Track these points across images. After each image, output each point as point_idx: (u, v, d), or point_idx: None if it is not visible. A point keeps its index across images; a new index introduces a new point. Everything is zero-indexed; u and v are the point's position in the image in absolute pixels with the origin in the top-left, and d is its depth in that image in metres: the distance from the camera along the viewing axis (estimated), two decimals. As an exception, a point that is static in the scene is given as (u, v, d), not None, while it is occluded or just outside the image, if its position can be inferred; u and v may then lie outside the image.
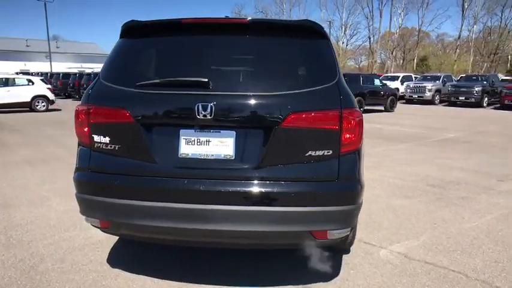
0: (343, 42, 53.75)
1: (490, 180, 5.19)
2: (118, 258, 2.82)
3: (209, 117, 2.01)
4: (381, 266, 2.75)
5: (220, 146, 2.06)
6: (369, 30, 53.69)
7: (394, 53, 51.02)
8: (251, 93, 2.04)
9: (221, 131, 2.07)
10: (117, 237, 3.11)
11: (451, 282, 2.53)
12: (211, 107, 2.00)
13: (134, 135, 2.11)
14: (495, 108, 17.95)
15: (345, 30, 53.31)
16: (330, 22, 43.20)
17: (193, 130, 2.08)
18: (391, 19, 51.06)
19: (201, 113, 2.01)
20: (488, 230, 3.45)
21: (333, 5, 64.64)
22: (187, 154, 2.07)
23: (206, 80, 2.03)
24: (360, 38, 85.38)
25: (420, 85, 20.38)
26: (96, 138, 2.18)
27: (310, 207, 2.02)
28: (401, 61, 52.88)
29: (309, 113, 2.03)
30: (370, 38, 52.72)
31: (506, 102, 17.25)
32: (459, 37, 49.40)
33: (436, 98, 20.15)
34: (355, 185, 2.10)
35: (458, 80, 22.14)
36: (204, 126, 2.07)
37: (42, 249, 2.95)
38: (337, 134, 2.06)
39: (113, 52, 2.35)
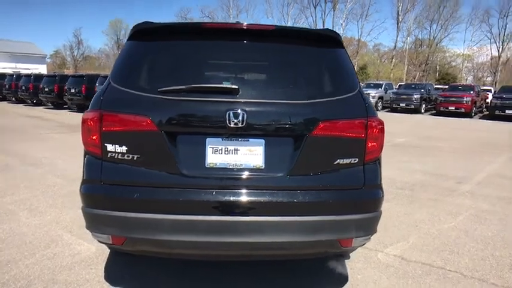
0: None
1: (449, 182, 5.58)
2: (116, 276, 2.62)
3: (240, 125, 1.93)
4: (384, 269, 2.83)
5: (249, 155, 2.00)
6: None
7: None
8: (281, 101, 2.01)
9: (250, 139, 2.00)
10: (107, 253, 2.89)
11: (452, 281, 2.68)
12: (242, 114, 1.93)
13: (157, 144, 1.97)
14: (431, 114, 19.40)
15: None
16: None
17: (220, 139, 1.99)
18: (333, 28, 53.29)
19: (232, 121, 1.93)
20: (466, 229, 3.70)
21: (279, 13, 66.10)
22: (215, 164, 1.98)
23: (236, 87, 1.96)
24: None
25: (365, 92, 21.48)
26: (110, 147, 2.00)
27: (339, 216, 2.02)
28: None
29: (338, 122, 2.03)
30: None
31: (441, 109, 18.75)
32: (395, 47, 52.93)
33: (379, 105, 21.35)
34: (378, 192, 2.14)
35: (398, 88, 23.68)
36: (232, 135, 1.99)
37: (26, 270, 2.65)
38: (363, 142, 2.09)
39: (125, 55, 2.18)
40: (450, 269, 2.86)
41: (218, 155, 1.98)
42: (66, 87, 15.48)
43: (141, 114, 1.96)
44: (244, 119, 1.93)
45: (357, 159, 2.08)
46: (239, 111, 1.93)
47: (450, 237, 3.49)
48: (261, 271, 2.70)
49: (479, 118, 18.37)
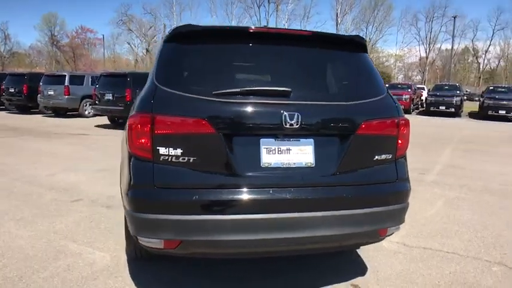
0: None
1: (414, 173, 6.07)
2: (147, 283, 2.56)
3: (295, 126, 2.03)
4: (393, 255, 3.07)
5: (300, 154, 2.09)
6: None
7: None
8: (329, 103, 2.13)
9: (300, 139, 2.10)
10: (124, 260, 2.82)
11: (454, 261, 2.98)
12: (297, 116, 2.02)
13: (214, 146, 1.99)
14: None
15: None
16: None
17: (273, 139, 2.07)
18: (276, 28, 54.41)
19: (288, 122, 2.01)
20: (447, 215, 4.10)
21: (223, 11, 65.89)
22: (270, 163, 2.05)
23: (289, 89, 2.05)
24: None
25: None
26: (163, 150, 1.98)
27: (379, 208, 2.19)
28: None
29: (377, 121, 2.20)
30: (257, 45, 55.28)
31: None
32: (334, 48, 55.37)
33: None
34: (407, 184, 2.35)
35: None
36: (285, 135, 2.07)
37: (46, 284, 2.50)
38: (395, 139, 2.28)
39: (171, 56, 2.17)
40: (448, 250, 3.18)
41: (272, 155, 2.06)
42: (3, 87, 14.13)
43: (198, 117, 1.97)
44: (299, 120, 2.02)
45: (391, 155, 2.27)
46: (294, 112, 2.02)
47: (437, 223, 3.85)
48: (284, 266, 2.80)
49: (416, 114, 19.97)
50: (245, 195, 2.00)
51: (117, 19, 56.31)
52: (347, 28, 54.21)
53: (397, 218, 2.30)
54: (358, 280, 2.65)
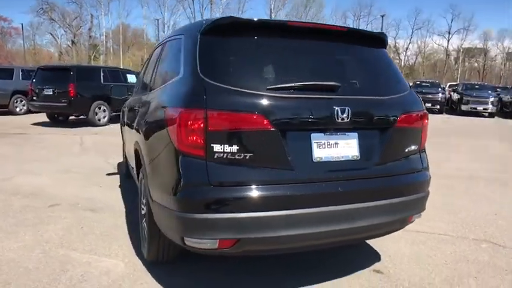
0: (166, 41, 53.61)
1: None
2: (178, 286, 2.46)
3: (346, 121, 2.08)
4: (397, 241, 3.26)
5: (347, 147, 2.15)
6: (191, 31, 55.06)
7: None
8: (372, 97, 2.21)
9: (346, 133, 2.16)
10: (141, 265, 2.67)
11: (447, 242, 3.27)
12: (347, 110, 2.08)
13: (271, 141, 1.97)
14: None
15: (168, 30, 53.28)
16: (158, 20, 42.36)
17: (323, 134, 2.10)
18: (211, 22, 53.88)
19: (340, 117, 2.06)
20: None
21: (155, 3, 63.47)
22: (321, 158, 2.08)
23: (339, 84, 2.09)
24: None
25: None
26: (217, 147, 1.92)
27: (411, 196, 2.34)
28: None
29: (410, 114, 2.34)
30: (193, 39, 54.30)
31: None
32: (269, 43, 56.39)
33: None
34: (428, 174, 2.53)
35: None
36: (333, 130, 2.12)
37: (67, 297, 2.28)
38: (421, 131, 2.44)
39: (215, 49, 2.09)
40: (439, 233, 3.48)
41: (322, 149, 2.09)
42: None
43: (255, 112, 1.93)
44: (349, 114, 2.08)
45: (417, 147, 2.43)
46: (345, 107, 2.07)
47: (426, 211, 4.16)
48: (308, 262, 2.85)
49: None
50: (301, 190, 2.01)
51: (37, 7, 51.47)
52: (281, 24, 55.43)
53: (422, 205, 2.47)
54: (377, 266, 2.80)
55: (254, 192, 1.94)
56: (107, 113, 11.02)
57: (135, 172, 3.29)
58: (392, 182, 2.27)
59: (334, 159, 2.11)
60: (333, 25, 2.32)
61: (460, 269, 2.79)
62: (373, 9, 56.77)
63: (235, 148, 1.93)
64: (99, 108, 10.82)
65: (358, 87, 2.29)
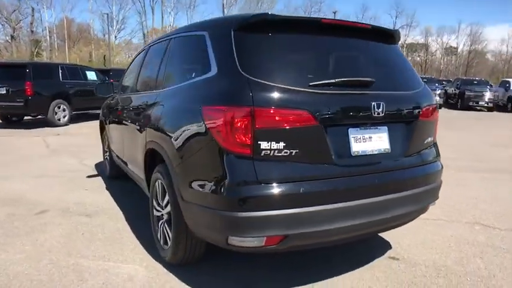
0: (115, 37, 51.59)
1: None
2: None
3: (381, 115, 2.15)
4: (400, 228, 3.44)
5: (379, 141, 2.23)
6: (142, 26, 53.33)
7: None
8: (400, 92, 2.31)
9: (378, 127, 2.23)
10: (161, 269, 2.60)
11: (444, 226, 3.49)
12: (382, 105, 2.15)
13: (316, 137, 2.00)
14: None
15: (117, 25, 51.27)
16: (107, 15, 40.47)
17: (358, 128, 2.15)
18: (162, 17, 52.56)
19: (376, 111, 2.13)
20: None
21: (102, -5, 60.55)
22: (358, 152, 2.14)
23: (374, 79, 2.16)
24: (131, 33, 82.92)
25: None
26: (264, 145, 1.91)
27: (431, 185, 2.48)
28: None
29: (429, 108, 2.46)
30: (144, 34, 52.62)
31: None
32: (222, 38, 56.01)
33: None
34: (441, 163, 2.68)
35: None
36: (366, 124, 2.18)
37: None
38: (435, 123, 2.59)
39: (254, 46, 2.07)
40: (434, 218, 3.69)
41: (359, 143, 2.15)
42: None
43: (301, 109, 1.95)
44: (384, 109, 2.16)
45: (432, 138, 2.57)
46: (380, 102, 2.14)
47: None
48: (325, 252, 2.92)
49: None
50: (343, 183, 2.06)
51: (-32, -2, 47.11)
52: (234, 19, 55.33)
53: (438, 193, 2.62)
54: (391, 252, 2.93)
55: (301, 187, 1.96)
56: (67, 112, 10.42)
57: (141, 174, 3.16)
58: (417, 172, 2.39)
59: (368, 153, 2.18)
60: (360, 22, 2.39)
61: (465, 250, 3.00)
62: (323, 5, 58.30)
63: (281, 145, 1.93)
64: (59, 107, 10.21)
65: (387, 82, 2.36)
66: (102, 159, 6.01)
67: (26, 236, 3.15)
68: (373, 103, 2.13)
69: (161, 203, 2.69)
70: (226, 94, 1.99)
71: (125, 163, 3.86)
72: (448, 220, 3.66)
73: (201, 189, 2.09)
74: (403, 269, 2.68)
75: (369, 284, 2.48)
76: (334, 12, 37.44)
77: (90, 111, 11.98)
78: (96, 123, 11.32)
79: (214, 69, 2.15)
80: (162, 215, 2.70)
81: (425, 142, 2.49)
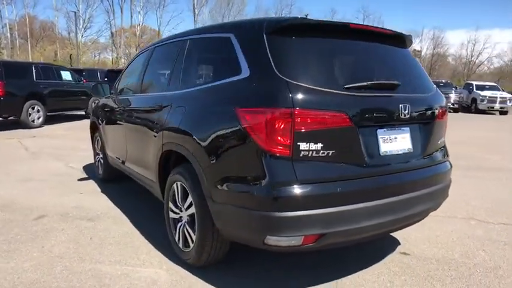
0: (82, 36, 49.90)
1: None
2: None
3: (407, 117, 2.25)
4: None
5: (402, 141, 2.32)
6: (110, 25, 51.84)
7: (137, 49, 51.70)
8: (421, 94, 2.41)
9: (402, 128, 2.32)
10: (182, 271, 2.58)
11: (443, 221, 3.66)
12: (408, 107, 2.24)
13: (350, 138, 2.06)
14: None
15: (84, 24, 49.62)
16: (75, 13, 39.04)
17: (385, 129, 2.23)
18: (131, 16, 51.40)
19: (403, 113, 2.22)
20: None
21: (68, -6, 58.33)
22: (386, 152, 2.22)
23: (400, 83, 2.25)
24: (98, 32, 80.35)
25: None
26: (303, 146, 1.95)
27: (444, 183, 2.61)
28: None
29: (443, 109, 2.59)
30: (112, 34, 51.23)
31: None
32: (193, 39, 55.51)
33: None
34: (450, 163, 2.82)
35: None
36: (392, 125, 2.26)
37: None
38: (445, 124, 2.72)
39: (289, 49, 2.09)
40: (432, 214, 3.85)
41: (386, 143, 2.23)
42: None
43: (338, 111, 2.00)
44: (409, 110, 2.25)
45: (443, 139, 2.70)
46: (406, 104, 2.24)
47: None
48: (339, 252, 2.98)
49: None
50: (374, 183, 2.14)
51: None
52: (204, 20, 55.05)
53: (447, 191, 2.75)
54: (400, 248, 3.05)
55: (337, 187, 2.01)
56: (41, 113, 10.01)
57: (151, 177, 3.11)
58: (434, 171, 2.51)
59: (394, 153, 2.27)
60: (381, 28, 2.47)
61: (468, 244, 3.16)
62: (293, 8, 58.96)
63: (319, 146, 1.97)
64: (33, 108, 9.78)
65: (409, 85, 2.46)
66: (89, 162, 5.88)
67: (30, 242, 3.02)
68: (400, 105, 2.23)
69: (180, 205, 2.66)
70: (266, 96, 2.01)
71: (127, 166, 3.77)
72: (445, 216, 3.83)
73: (236, 190, 2.10)
74: (416, 264, 2.79)
75: (388, 278, 2.57)
76: (306, 15, 37.93)
77: (65, 112, 11.56)
78: (72, 125, 11.13)
79: (245, 71, 2.16)
80: (181, 217, 2.68)
81: (439, 142, 2.61)
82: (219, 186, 2.19)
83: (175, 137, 2.60)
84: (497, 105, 19.39)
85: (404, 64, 2.59)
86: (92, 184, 4.78)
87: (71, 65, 34.06)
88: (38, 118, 9.95)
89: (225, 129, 2.17)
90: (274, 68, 2.03)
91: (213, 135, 2.23)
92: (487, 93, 19.62)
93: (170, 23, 64.66)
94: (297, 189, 1.94)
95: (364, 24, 2.33)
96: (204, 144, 2.28)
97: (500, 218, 3.82)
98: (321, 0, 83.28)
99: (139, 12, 51.95)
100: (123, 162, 3.94)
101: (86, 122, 11.53)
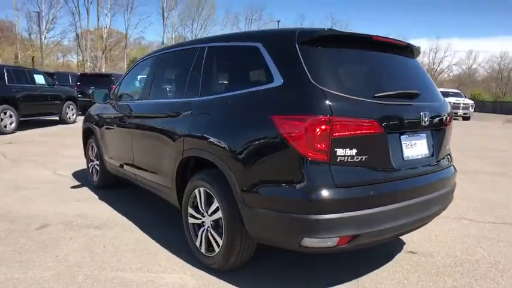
0: (45, 37, 47.95)
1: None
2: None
3: (427, 124, 2.42)
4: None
5: (421, 147, 2.49)
6: (75, 27, 50.12)
7: (104, 53, 50.40)
8: (435, 103, 2.60)
9: (420, 134, 2.49)
10: (206, 274, 2.62)
11: (438, 221, 3.87)
12: (428, 114, 2.42)
13: (381, 144, 2.20)
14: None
15: (47, 25, 47.70)
16: (38, 13, 37.50)
17: (406, 135, 2.39)
18: (98, 18, 50.03)
19: (423, 120, 2.39)
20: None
21: (31, -4, 55.91)
22: (408, 157, 2.38)
23: (420, 92, 2.42)
24: (62, 34, 77.40)
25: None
26: (340, 151, 2.06)
27: (453, 186, 2.81)
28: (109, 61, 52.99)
29: (450, 116, 2.79)
30: (78, 36, 49.57)
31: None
32: (163, 42, 54.77)
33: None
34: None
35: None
36: (412, 132, 2.43)
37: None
38: (451, 131, 2.92)
39: (322, 59, 2.20)
40: (426, 215, 4.10)
41: (408, 149, 2.39)
42: None
43: (370, 118, 2.13)
44: (428, 117, 2.43)
45: (449, 144, 2.91)
46: (426, 111, 2.42)
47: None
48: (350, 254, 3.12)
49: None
50: (400, 185, 2.30)
51: None
52: (173, 23, 54.61)
53: (453, 193, 2.96)
54: (406, 247, 3.23)
55: (370, 190, 2.14)
56: (14, 118, 9.58)
57: (166, 183, 3.11)
58: (446, 174, 2.70)
59: (414, 157, 2.44)
60: (399, 40, 2.64)
61: (466, 242, 3.39)
62: (263, 13, 59.68)
63: (353, 151, 2.10)
64: (5, 113, 9.35)
65: (424, 94, 2.64)
66: (78, 169, 5.75)
67: (41, 252, 2.95)
68: (421, 113, 2.40)
69: (203, 210, 2.70)
70: (305, 104, 2.10)
71: (134, 172, 3.74)
72: (440, 216, 4.02)
73: (272, 194, 2.18)
74: (424, 261, 2.97)
75: (403, 276, 2.73)
76: (278, 21, 38.71)
77: (39, 117, 11.13)
78: (48, 131, 10.73)
79: (278, 80, 2.25)
80: (203, 222, 2.72)
81: (447, 147, 2.81)
82: (253, 191, 2.25)
83: (200, 143, 2.64)
84: (460, 111, 20.45)
85: (418, 73, 2.77)
86: (87, 191, 4.68)
87: (33, 68, 32.68)
88: (11, 124, 9.52)
89: (259, 136, 2.24)
90: (310, 77, 2.13)
91: (246, 141, 2.30)
92: (451, 99, 20.65)
93: (138, 26, 63.42)
94: (334, 193, 2.05)
95: (384, 36, 2.48)
96: (235, 149, 2.34)
97: (488, 217, 4.11)
98: (290, 6, 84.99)
99: (106, 14, 50.63)
100: (121, 166, 3.93)
101: (62, 128, 11.27)
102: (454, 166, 2.95)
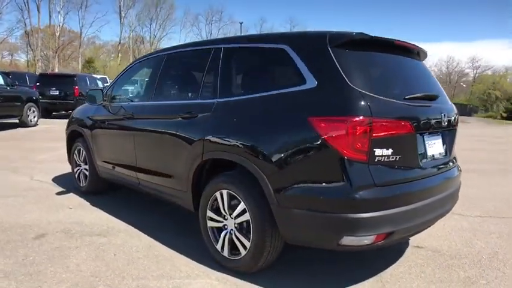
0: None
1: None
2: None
3: (446, 124, 2.55)
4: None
5: (438, 146, 2.62)
6: (24, 24, 47.22)
7: (57, 52, 47.95)
8: (447, 104, 2.75)
9: (437, 134, 2.62)
10: (235, 279, 2.60)
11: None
12: (446, 115, 2.56)
13: (412, 144, 2.30)
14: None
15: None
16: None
17: (428, 135, 2.51)
18: (50, 16, 47.56)
19: (443, 121, 2.52)
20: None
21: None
22: (431, 155, 2.50)
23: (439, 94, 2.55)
24: (7, 31, 72.49)
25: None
26: (378, 152, 2.13)
27: (459, 184, 2.98)
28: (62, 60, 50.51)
29: (458, 116, 2.96)
30: (27, 34, 46.78)
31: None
32: (120, 42, 53.10)
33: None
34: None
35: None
36: (431, 132, 2.55)
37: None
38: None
39: (355, 62, 2.26)
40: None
41: (430, 148, 2.51)
42: None
43: (404, 119, 2.22)
44: (446, 118, 2.57)
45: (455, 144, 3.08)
46: (445, 112, 2.55)
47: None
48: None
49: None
50: (428, 183, 2.42)
51: None
52: (131, 23, 53.16)
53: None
54: (412, 242, 3.37)
55: (404, 188, 2.24)
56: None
57: (181, 187, 3.03)
58: (456, 172, 2.86)
59: (435, 156, 2.57)
60: (414, 44, 2.76)
61: (463, 236, 3.60)
62: (224, 15, 59.55)
63: (389, 151, 2.17)
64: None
65: (439, 95, 2.78)
66: (56, 174, 5.47)
67: (48, 263, 2.77)
68: (442, 113, 2.54)
69: (225, 213, 2.67)
70: (344, 105, 2.14)
71: (136, 176, 3.61)
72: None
73: (310, 195, 2.20)
74: (433, 255, 3.12)
75: (419, 269, 2.85)
76: (241, 23, 38.82)
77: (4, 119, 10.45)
78: (8, 134, 9.98)
79: (311, 82, 2.28)
80: (225, 225, 2.69)
81: (455, 146, 2.98)
82: (288, 192, 2.26)
83: (224, 145, 2.60)
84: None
85: (429, 76, 2.92)
86: (75, 198, 4.45)
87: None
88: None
89: (294, 136, 2.26)
90: (346, 79, 2.18)
91: (280, 142, 2.31)
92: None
93: (94, 24, 60.87)
94: (374, 192, 2.12)
95: (403, 40, 2.59)
96: (268, 150, 2.34)
97: (475, 211, 4.37)
98: (250, 8, 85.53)
99: (59, 12, 48.26)
100: (114, 169, 3.84)
101: (24, 132, 10.58)
102: (459, 166, 3.13)
